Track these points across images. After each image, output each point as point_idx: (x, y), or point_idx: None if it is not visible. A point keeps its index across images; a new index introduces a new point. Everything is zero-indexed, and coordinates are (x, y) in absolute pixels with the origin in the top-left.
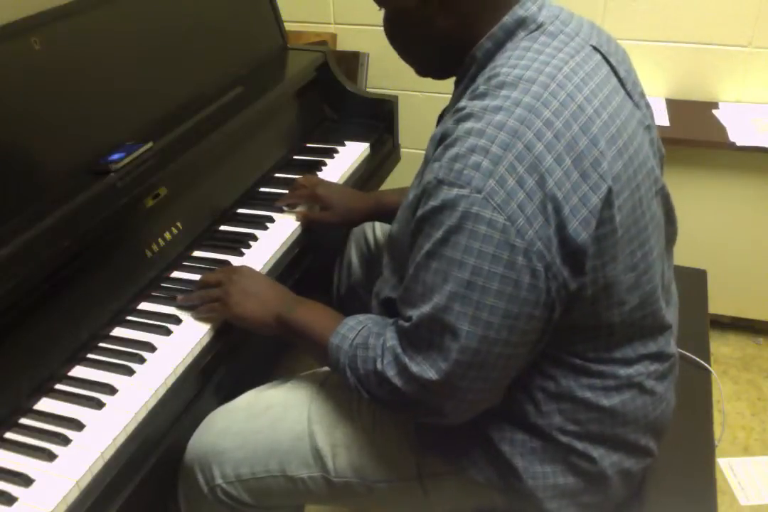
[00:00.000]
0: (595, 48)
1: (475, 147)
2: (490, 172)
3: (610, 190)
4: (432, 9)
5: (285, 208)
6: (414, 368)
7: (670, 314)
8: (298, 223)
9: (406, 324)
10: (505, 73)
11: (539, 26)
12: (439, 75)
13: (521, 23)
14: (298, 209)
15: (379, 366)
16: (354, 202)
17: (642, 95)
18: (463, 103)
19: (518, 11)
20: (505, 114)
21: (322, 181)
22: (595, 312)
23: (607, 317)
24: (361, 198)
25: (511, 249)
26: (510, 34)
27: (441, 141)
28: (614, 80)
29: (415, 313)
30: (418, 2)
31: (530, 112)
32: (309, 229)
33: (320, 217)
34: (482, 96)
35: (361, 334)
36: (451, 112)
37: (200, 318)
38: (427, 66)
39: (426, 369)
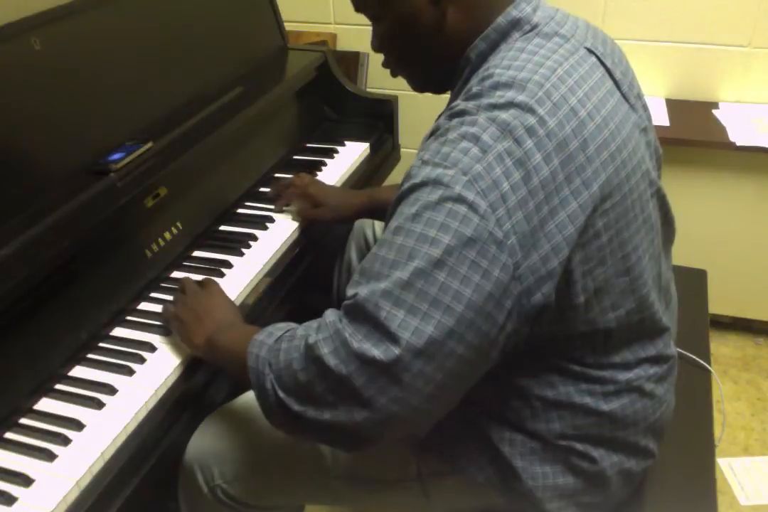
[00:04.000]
0: (589, 50)
1: (465, 134)
2: (479, 158)
3: (590, 196)
4: (442, 4)
5: (281, 208)
6: (355, 344)
7: (668, 316)
8: (298, 223)
9: (351, 300)
10: (498, 74)
11: (534, 27)
12: (438, 85)
13: (515, 24)
14: (292, 208)
15: (311, 340)
16: (346, 197)
17: (639, 97)
18: (456, 102)
19: (512, 12)
20: (499, 110)
21: (314, 181)
22: (590, 318)
23: (604, 322)
24: (353, 194)
25: (487, 235)
26: (504, 34)
27: (431, 134)
28: (609, 83)
29: (364, 290)
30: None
31: (524, 109)
32: (308, 229)
33: (314, 214)
34: (477, 96)
35: (287, 334)
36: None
37: None
38: (428, 76)
39: (370, 348)
